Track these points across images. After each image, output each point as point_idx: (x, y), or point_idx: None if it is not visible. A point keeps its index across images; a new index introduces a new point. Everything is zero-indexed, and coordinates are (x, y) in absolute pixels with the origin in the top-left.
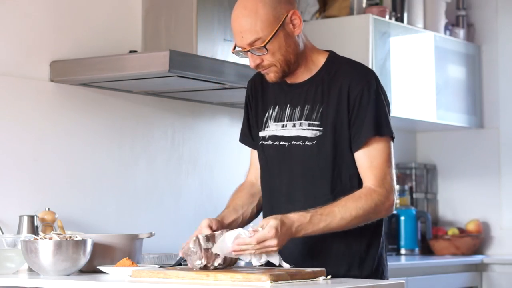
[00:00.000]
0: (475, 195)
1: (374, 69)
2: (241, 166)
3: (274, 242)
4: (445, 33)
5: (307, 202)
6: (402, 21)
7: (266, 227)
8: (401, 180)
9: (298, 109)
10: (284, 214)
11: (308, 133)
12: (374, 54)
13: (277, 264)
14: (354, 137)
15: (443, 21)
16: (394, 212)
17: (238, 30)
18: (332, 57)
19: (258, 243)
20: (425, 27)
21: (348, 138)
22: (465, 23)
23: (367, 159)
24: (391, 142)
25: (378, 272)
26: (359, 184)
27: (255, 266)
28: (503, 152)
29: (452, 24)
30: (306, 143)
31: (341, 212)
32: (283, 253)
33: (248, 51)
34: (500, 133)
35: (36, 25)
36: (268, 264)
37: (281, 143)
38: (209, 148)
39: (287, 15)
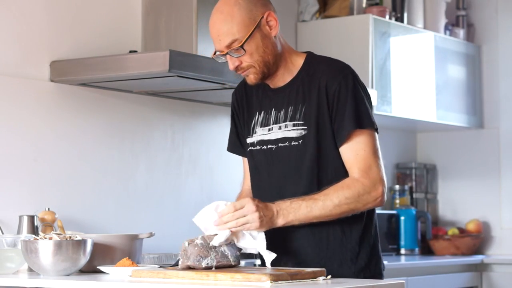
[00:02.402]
0: (475, 195)
1: (374, 69)
2: (241, 166)
3: (251, 206)
4: (445, 33)
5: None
6: (402, 21)
7: (242, 199)
8: (401, 180)
9: (282, 112)
10: None
11: (293, 133)
12: (374, 54)
13: (261, 252)
14: (337, 132)
15: (443, 21)
16: (394, 212)
17: (216, 34)
18: (310, 57)
19: (236, 209)
20: (425, 27)
21: (332, 135)
22: (465, 23)
23: (351, 152)
24: (375, 134)
25: (371, 265)
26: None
27: (240, 249)
28: (503, 152)
29: (452, 24)
30: (293, 143)
31: (323, 200)
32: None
33: (227, 53)
34: (500, 133)
35: (36, 25)
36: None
37: (268, 146)
38: (209, 148)
39: (262, 17)
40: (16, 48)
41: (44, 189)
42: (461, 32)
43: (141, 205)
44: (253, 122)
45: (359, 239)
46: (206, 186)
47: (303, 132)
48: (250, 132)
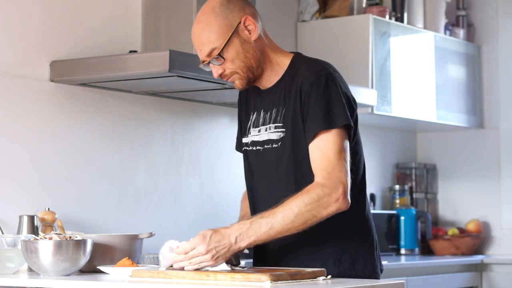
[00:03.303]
0: (475, 195)
1: (374, 69)
2: (241, 166)
3: (201, 248)
4: (445, 33)
5: (277, 202)
6: (402, 21)
7: (195, 238)
8: (401, 180)
9: (268, 113)
10: None
11: (274, 136)
12: (374, 54)
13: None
14: (307, 134)
15: (443, 21)
16: (394, 212)
17: (197, 44)
18: (295, 59)
19: (186, 252)
20: (425, 27)
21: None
22: (465, 23)
23: (316, 152)
24: (344, 134)
25: (358, 268)
26: None
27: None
28: (503, 152)
29: (452, 24)
30: (273, 145)
31: (281, 211)
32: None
33: (209, 62)
34: (500, 133)
35: (36, 25)
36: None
37: (257, 147)
38: (209, 148)
39: (240, 22)
40: (16, 48)
41: (44, 189)
42: (461, 32)
43: (141, 205)
44: (249, 122)
45: (343, 242)
46: (206, 186)
47: (282, 135)
48: (246, 132)
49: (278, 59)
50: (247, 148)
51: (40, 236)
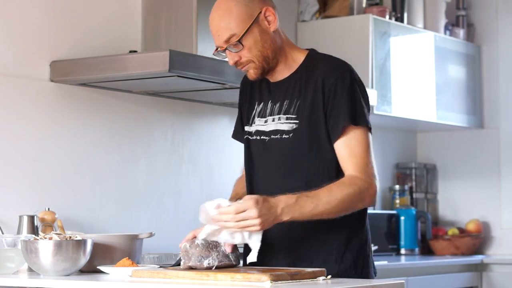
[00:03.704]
0: (475, 195)
1: (374, 69)
2: (241, 166)
3: (253, 212)
4: (445, 33)
5: (283, 193)
6: (402, 21)
7: (245, 199)
8: (401, 180)
9: (277, 105)
10: None
11: (285, 126)
12: (374, 54)
13: (253, 248)
14: (332, 128)
15: (443, 21)
16: (394, 212)
17: (215, 30)
18: (311, 54)
19: (237, 213)
20: (425, 27)
21: (325, 131)
22: (465, 23)
23: (347, 148)
24: (369, 133)
25: (357, 266)
26: (337, 177)
27: (235, 246)
28: (503, 152)
29: (452, 24)
30: (284, 136)
31: (327, 195)
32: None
33: (226, 49)
34: (500, 133)
35: (36, 25)
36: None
37: (262, 137)
38: (209, 148)
39: (260, 12)
40: (16, 48)
41: (44, 189)
42: (461, 32)
43: (141, 205)
44: (254, 112)
45: (346, 240)
46: (206, 186)
47: (294, 126)
48: (250, 121)
49: (292, 54)
50: (249, 137)
51: (40, 236)
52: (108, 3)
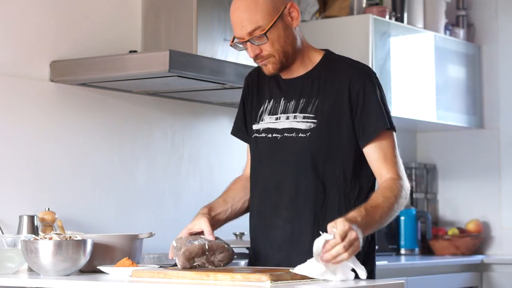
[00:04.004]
0: (475, 195)
1: (374, 69)
2: (241, 166)
3: (354, 233)
4: (445, 33)
5: (297, 192)
6: (402, 21)
7: (337, 224)
8: None
9: (292, 102)
10: (275, 208)
11: (302, 125)
12: (374, 54)
13: (357, 269)
14: (363, 131)
15: (443, 21)
16: None
17: (238, 21)
18: (329, 54)
19: (343, 238)
20: (425, 27)
21: (347, 133)
22: (465, 23)
23: (380, 152)
24: (395, 134)
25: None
26: (353, 178)
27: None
28: (503, 152)
29: (452, 24)
30: (300, 134)
31: (386, 202)
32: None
33: (248, 41)
34: (500, 133)
35: (36, 25)
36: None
37: (273, 135)
38: (209, 148)
39: (285, 7)
40: (16, 48)
41: (44, 189)
42: (461, 32)
43: (141, 205)
44: (262, 109)
45: None
46: (206, 186)
47: (312, 125)
48: (257, 119)
49: (309, 53)
50: (257, 134)
51: (40, 236)
52: (108, 3)
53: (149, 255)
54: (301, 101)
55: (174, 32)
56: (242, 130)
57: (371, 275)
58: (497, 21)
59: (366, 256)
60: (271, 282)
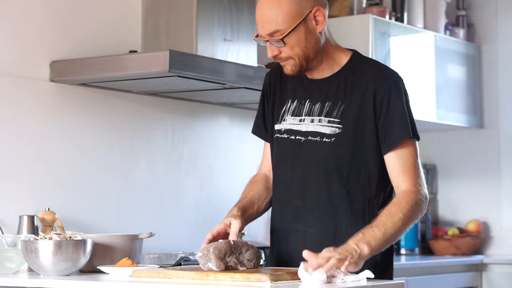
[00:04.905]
0: (475, 195)
1: None
2: (241, 166)
3: (328, 254)
4: (445, 33)
5: (320, 198)
6: (402, 21)
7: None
8: None
9: (318, 105)
10: (297, 211)
11: (327, 130)
12: (374, 54)
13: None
14: (385, 138)
15: (443, 21)
16: None
17: (261, 19)
18: (356, 56)
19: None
20: (425, 27)
21: (371, 139)
22: (465, 23)
23: (400, 160)
24: (417, 143)
25: (384, 264)
26: (378, 184)
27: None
28: (503, 152)
29: (452, 24)
30: (324, 139)
31: (390, 220)
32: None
33: (267, 41)
34: (500, 133)
35: (36, 25)
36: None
37: (297, 137)
38: (209, 148)
39: (310, 11)
40: (16, 48)
41: (44, 189)
42: (461, 32)
43: (141, 205)
44: (284, 109)
45: None
46: (206, 186)
47: (337, 131)
48: (279, 118)
49: (335, 54)
50: (279, 135)
51: (40, 236)
52: (108, 3)
53: (149, 255)
54: (326, 104)
55: (174, 32)
56: (261, 128)
57: (387, 275)
58: (497, 21)
59: (384, 262)
60: (271, 282)
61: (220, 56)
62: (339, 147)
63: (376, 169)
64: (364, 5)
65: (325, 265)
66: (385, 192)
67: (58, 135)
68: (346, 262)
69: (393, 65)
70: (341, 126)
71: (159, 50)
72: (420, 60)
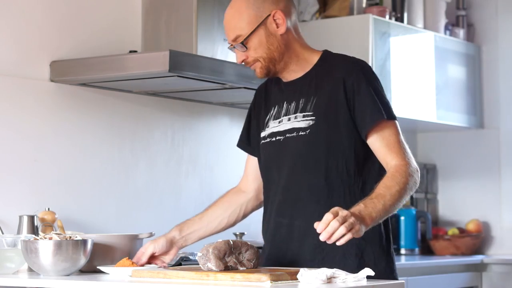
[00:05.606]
0: (475, 195)
1: (374, 69)
2: (241, 166)
3: (345, 211)
4: (445, 33)
5: (302, 190)
6: (402, 21)
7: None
8: None
9: (293, 104)
10: (280, 207)
11: (302, 124)
12: (374, 54)
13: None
14: (361, 123)
15: (443, 21)
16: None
17: (226, 28)
18: (326, 54)
19: (335, 216)
20: (425, 27)
21: (346, 126)
22: (465, 23)
23: (383, 140)
24: (397, 122)
25: (379, 265)
26: (356, 171)
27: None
28: (503, 152)
29: (452, 24)
30: (300, 133)
31: (387, 192)
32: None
33: (234, 47)
34: (500, 133)
35: (36, 25)
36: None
37: (277, 138)
38: (209, 148)
39: (269, 15)
40: (16, 48)
41: (44, 189)
42: (461, 32)
43: (141, 205)
44: (268, 116)
45: (366, 234)
46: (206, 186)
47: (311, 123)
48: (264, 126)
49: (305, 55)
50: (263, 141)
51: (40, 236)
52: (108, 3)
53: None
54: (300, 101)
55: (174, 32)
56: (245, 142)
57: (393, 275)
58: (497, 21)
59: (385, 259)
60: (271, 282)
61: (220, 56)
62: (314, 138)
63: (353, 157)
64: (364, 5)
65: (333, 236)
66: (364, 179)
67: (58, 135)
68: (351, 234)
69: (393, 65)
70: (314, 117)
71: (159, 50)
72: (420, 60)
